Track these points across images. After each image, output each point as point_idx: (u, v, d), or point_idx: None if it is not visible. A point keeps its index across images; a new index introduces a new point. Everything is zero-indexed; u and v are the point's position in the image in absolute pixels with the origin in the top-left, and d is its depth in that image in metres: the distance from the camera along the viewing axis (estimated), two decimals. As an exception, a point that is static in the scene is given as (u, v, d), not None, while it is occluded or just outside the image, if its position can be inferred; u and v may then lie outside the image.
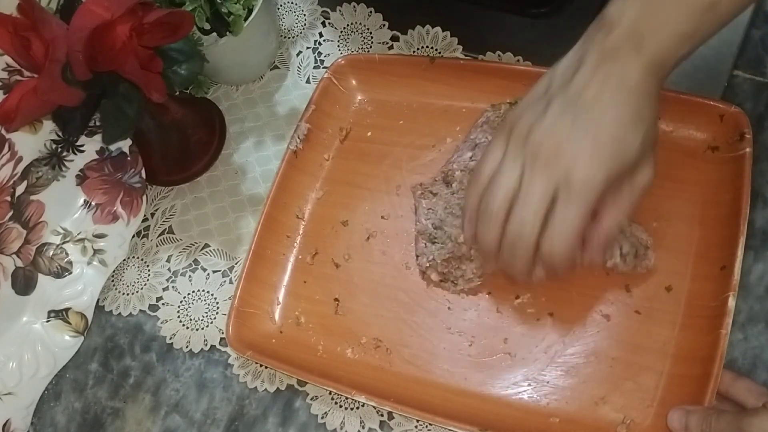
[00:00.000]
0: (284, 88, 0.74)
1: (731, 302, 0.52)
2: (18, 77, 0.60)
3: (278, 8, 0.77)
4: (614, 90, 0.48)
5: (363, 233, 0.65)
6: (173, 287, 0.68)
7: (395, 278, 0.62)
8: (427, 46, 0.71)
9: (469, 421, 0.54)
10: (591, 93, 0.48)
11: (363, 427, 0.59)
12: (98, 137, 0.67)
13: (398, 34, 0.72)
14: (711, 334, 0.53)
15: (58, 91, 0.54)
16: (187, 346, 0.65)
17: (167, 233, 0.70)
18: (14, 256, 0.66)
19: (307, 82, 0.74)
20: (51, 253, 0.68)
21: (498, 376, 0.57)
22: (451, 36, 0.71)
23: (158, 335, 0.66)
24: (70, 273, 0.67)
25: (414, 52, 0.71)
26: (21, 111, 0.54)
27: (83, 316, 0.66)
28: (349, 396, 0.57)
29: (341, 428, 0.59)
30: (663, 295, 0.56)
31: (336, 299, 0.63)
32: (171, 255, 0.69)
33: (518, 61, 0.68)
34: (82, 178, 0.68)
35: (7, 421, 0.63)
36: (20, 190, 0.65)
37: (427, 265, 0.60)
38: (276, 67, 0.75)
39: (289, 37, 0.76)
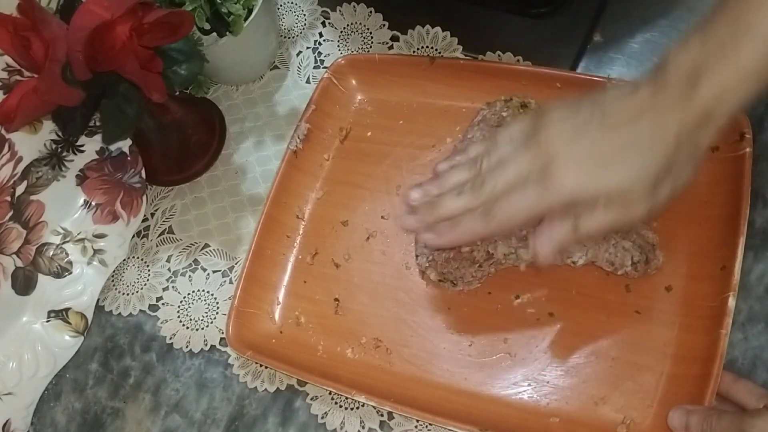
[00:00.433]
0: (284, 88, 0.74)
1: (731, 302, 0.52)
2: (18, 77, 0.60)
3: (278, 8, 0.77)
4: (646, 128, 0.45)
5: (363, 233, 0.65)
6: (173, 287, 0.68)
7: (395, 278, 0.62)
8: (427, 46, 0.71)
9: (469, 421, 0.54)
10: (623, 116, 0.46)
11: (363, 427, 0.59)
12: (98, 137, 0.67)
13: (398, 34, 0.72)
14: (711, 334, 0.52)
15: (58, 91, 0.54)
16: (187, 346, 0.65)
17: (167, 233, 0.70)
18: (14, 256, 0.66)
19: (307, 82, 0.74)
20: (51, 253, 0.68)
21: (498, 376, 0.57)
22: (451, 36, 0.71)
23: (158, 335, 0.66)
24: (70, 273, 0.67)
25: (414, 52, 0.71)
26: (21, 111, 0.54)
27: (83, 316, 0.66)
28: (349, 396, 0.57)
29: (341, 428, 0.59)
30: (663, 295, 0.56)
31: (336, 299, 0.63)
32: (171, 255, 0.69)
33: (518, 61, 0.68)
34: (82, 178, 0.68)
35: (7, 421, 0.63)
36: (20, 190, 0.65)
37: (427, 264, 0.60)
38: (276, 67, 0.75)
39: (289, 37, 0.76)
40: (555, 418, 0.55)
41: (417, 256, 0.61)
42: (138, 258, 0.69)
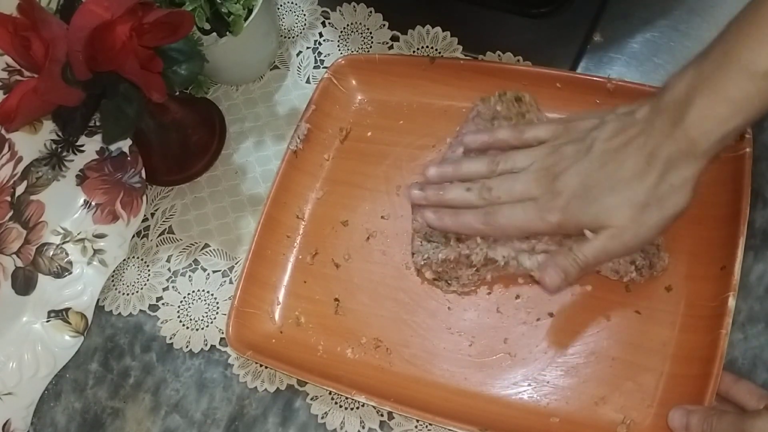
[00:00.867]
0: (284, 88, 0.74)
1: (731, 302, 0.52)
2: (18, 77, 0.60)
3: (278, 8, 0.77)
4: (633, 157, 0.50)
5: (363, 233, 0.65)
6: (173, 287, 0.68)
7: (395, 278, 0.62)
8: (427, 46, 0.71)
9: (469, 421, 0.54)
10: (614, 144, 0.51)
11: (363, 427, 0.59)
12: (98, 137, 0.67)
13: (398, 34, 0.72)
14: (711, 334, 0.52)
15: (58, 91, 0.54)
16: (187, 346, 0.65)
17: (167, 233, 0.70)
18: (14, 256, 0.66)
19: (307, 82, 0.74)
20: (51, 253, 0.68)
21: (498, 376, 0.57)
22: (451, 36, 0.71)
23: (158, 335, 0.66)
24: (70, 273, 0.67)
25: (414, 52, 0.71)
26: (21, 111, 0.54)
27: (83, 316, 0.66)
28: (349, 396, 0.57)
29: (341, 428, 0.59)
30: (663, 295, 0.56)
31: (336, 299, 0.63)
32: (171, 255, 0.69)
33: (518, 61, 0.68)
34: (82, 178, 0.68)
35: (7, 421, 0.63)
36: (20, 190, 0.65)
37: (422, 263, 0.60)
38: (276, 67, 0.75)
39: (289, 37, 0.76)
40: (555, 418, 0.55)
41: (413, 254, 0.61)
42: (138, 258, 0.69)
